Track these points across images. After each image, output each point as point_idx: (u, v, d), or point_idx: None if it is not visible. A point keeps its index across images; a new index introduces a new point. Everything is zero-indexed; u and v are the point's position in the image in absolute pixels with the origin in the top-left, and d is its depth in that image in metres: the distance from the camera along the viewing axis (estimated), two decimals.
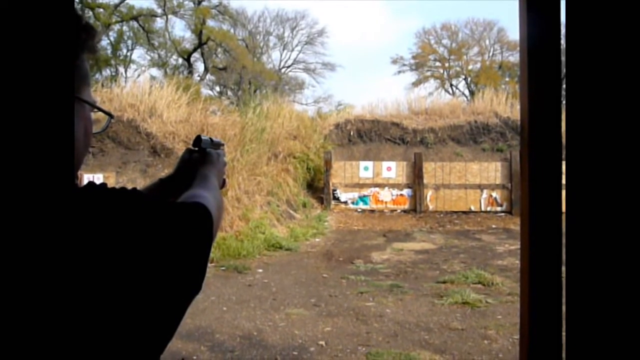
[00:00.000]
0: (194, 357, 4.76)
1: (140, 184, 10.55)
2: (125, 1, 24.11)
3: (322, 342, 5.21)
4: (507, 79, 30.39)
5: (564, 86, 0.95)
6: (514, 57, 30.71)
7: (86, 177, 9.12)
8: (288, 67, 32.50)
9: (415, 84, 32.56)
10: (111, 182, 9.30)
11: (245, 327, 5.65)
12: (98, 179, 9.21)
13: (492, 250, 10.25)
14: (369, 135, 16.43)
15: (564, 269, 1.00)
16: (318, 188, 14.99)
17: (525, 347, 1.08)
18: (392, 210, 14.68)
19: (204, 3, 25.78)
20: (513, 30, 33.53)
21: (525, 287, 1.09)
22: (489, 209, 14.43)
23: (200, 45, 26.14)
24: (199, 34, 25.66)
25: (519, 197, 13.85)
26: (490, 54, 32.51)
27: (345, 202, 14.85)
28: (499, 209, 14.43)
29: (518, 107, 16.67)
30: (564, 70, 0.94)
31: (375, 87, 48.08)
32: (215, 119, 13.44)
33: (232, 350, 4.98)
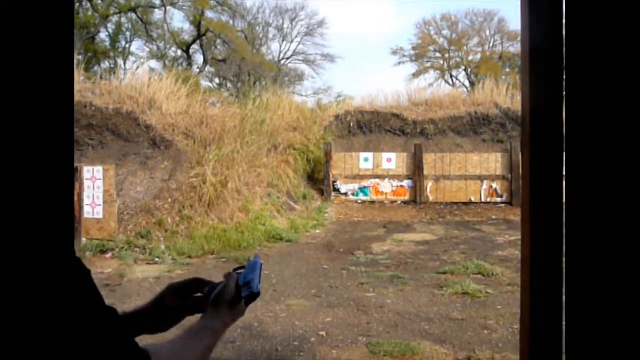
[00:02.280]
0: None
1: (140, 176, 10.57)
2: None
3: (323, 333, 5.23)
4: (507, 70, 30.29)
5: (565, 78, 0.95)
6: (515, 48, 30.59)
7: (86, 170, 9.12)
8: (288, 58, 32.39)
9: (416, 75, 32.49)
10: (111, 174, 9.30)
11: (246, 318, 5.64)
12: (98, 171, 9.20)
13: (492, 241, 10.27)
14: (369, 126, 16.40)
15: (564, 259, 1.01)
16: (318, 180, 14.99)
17: (526, 336, 1.08)
18: (393, 202, 14.69)
19: None
20: (513, 21, 33.34)
21: (526, 277, 1.10)
22: (489, 200, 14.44)
23: (199, 36, 26.04)
24: (197, 25, 25.55)
25: (519, 188, 13.87)
26: (491, 44, 32.42)
27: (346, 194, 14.85)
28: (499, 200, 14.44)
29: (518, 98, 16.63)
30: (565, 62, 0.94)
31: (375, 78, 47.93)
32: (215, 110, 13.41)
33: (233, 342, 5.00)
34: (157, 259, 8.36)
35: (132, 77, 13.94)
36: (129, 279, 7.30)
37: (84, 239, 8.76)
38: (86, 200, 9.03)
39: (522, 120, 1.14)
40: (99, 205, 9.07)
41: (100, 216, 9.05)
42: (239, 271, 1.08)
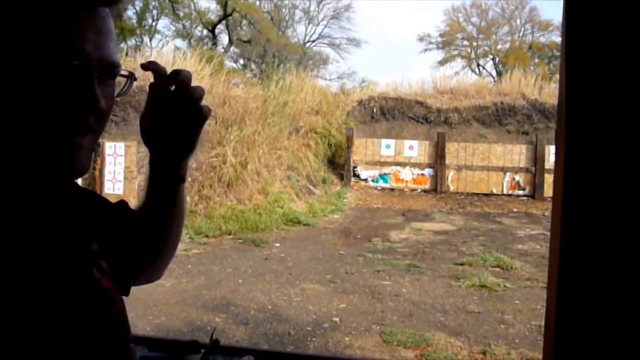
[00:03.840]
0: (208, 328, 4.79)
1: None
2: None
3: (337, 319, 5.20)
4: (536, 61, 29.64)
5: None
6: (545, 38, 29.89)
7: (108, 146, 9.18)
8: (313, 41, 32.12)
9: (442, 62, 31.96)
10: (132, 151, 9.35)
11: (260, 301, 5.67)
12: (120, 147, 9.26)
13: (513, 234, 10.11)
14: (392, 113, 16.22)
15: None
16: (338, 164, 14.92)
17: (551, 337, 1.02)
18: (413, 190, 14.57)
19: None
20: (545, 10, 32.62)
21: (554, 275, 1.03)
22: (511, 192, 14.22)
23: (225, 16, 25.94)
24: (224, 5, 25.43)
25: (543, 181, 13.64)
26: (521, 33, 31.69)
27: (366, 180, 14.76)
28: (521, 192, 14.21)
29: (546, 89, 16.29)
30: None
31: (400, 64, 47.34)
32: (238, 91, 13.37)
33: (246, 323, 5.00)
34: None
35: (157, 55, 13.96)
36: None
37: None
38: (107, 176, 9.11)
39: (557, 110, 1.06)
40: (120, 181, 9.14)
41: (121, 192, 9.12)
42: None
